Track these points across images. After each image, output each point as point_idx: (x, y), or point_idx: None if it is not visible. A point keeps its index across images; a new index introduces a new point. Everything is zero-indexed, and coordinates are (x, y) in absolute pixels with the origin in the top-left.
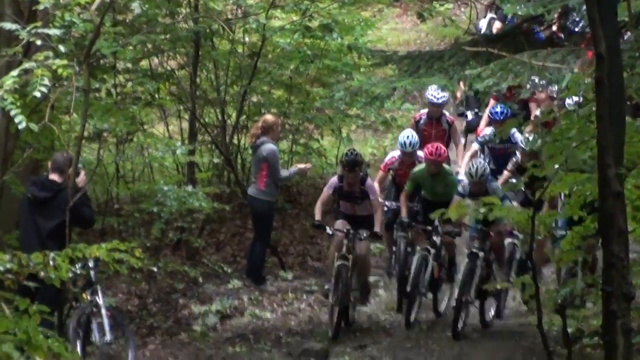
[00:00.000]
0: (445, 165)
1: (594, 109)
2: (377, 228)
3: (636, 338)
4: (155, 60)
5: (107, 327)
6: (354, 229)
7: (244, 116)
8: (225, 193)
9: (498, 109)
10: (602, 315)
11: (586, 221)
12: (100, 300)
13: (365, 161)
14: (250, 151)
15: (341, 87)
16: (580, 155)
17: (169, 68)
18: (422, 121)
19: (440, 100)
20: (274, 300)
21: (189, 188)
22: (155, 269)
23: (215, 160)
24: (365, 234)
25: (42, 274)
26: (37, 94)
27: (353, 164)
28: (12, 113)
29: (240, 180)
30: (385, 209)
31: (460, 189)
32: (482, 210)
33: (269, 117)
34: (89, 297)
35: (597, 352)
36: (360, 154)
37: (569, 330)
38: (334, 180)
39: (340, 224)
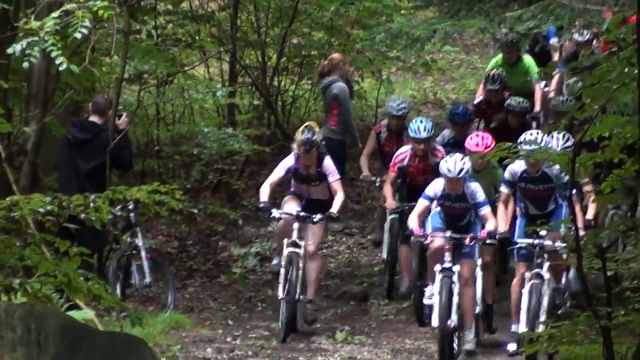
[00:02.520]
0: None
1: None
2: (334, 209)
3: None
4: (196, 2)
5: (146, 269)
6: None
7: (285, 58)
8: (265, 135)
9: (459, 109)
10: None
11: (626, 164)
12: (140, 242)
13: (321, 141)
14: (290, 93)
15: (381, 29)
16: (621, 98)
17: (209, 10)
18: (382, 134)
19: (400, 112)
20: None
21: (229, 130)
22: (195, 211)
23: (256, 102)
24: (319, 217)
25: (82, 215)
26: (78, 36)
27: (310, 144)
28: (53, 54)
29: (281, 122)
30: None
31: (430, 190)
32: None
33: (335, 55)
34: (128, 239)
35: (637, 295)
36: (318, 131)
37: (609, 273)
38: (288, 160)
39: (289, 205)
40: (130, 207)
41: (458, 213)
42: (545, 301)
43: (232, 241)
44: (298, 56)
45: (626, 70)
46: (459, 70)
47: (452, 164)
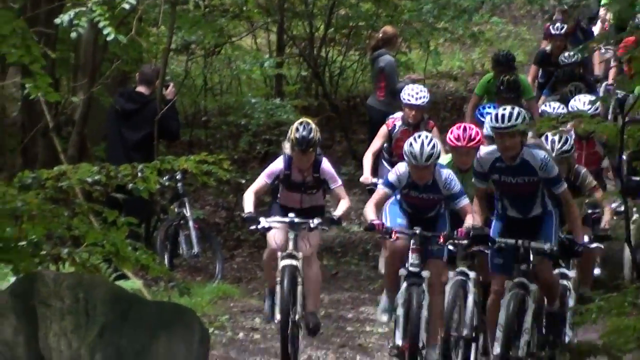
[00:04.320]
0: None
1: None
2: (338, 212)
3: None
4: None
5: (194, 240)
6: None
7: (332, 29)
8: (313, 106)
9: (490, 109)
10: None
11: None
12: (187, 212)
13: (319, 140)
14: (338, 64)
15: (429, 0)
16: None
17: None
18: (396, 129)
19: (419, 101)
20: (362, 213)
21: (277, 101)
22: (242, 182)
23: (303, 73)
24: (316, 221)
25: (130, 185)
26: (126, 6)
27: (307, 144)
28: (101, 25)
29: (328, 93)
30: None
31: (393, 177)
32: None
33: (388, 29)
34: (176, 210)
35: None
36: (316, 129)
37: None
38: (276, 164)
39: (274, 234)
40: (178, 177)
41: (426, 204)
42: (529, 317)
43: None
44: (345, 27)
45: None
46: (507, 42)
47: (418, 148)
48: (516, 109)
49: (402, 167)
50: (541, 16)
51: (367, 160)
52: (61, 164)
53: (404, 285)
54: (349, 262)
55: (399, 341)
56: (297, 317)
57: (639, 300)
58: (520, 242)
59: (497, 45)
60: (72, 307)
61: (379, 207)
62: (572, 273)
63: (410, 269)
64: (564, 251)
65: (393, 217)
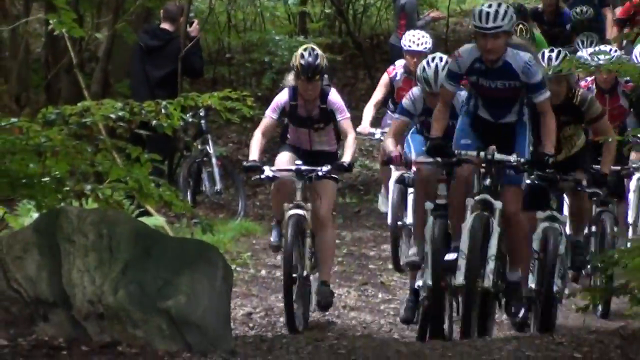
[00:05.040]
0: None
1: None
2: (346, 158)
3: None
4: None
5: (217, 177)
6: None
7: None
8: (336, 43)
9: None
10: None
11: None
12: (210, 149)
13: (328, 66)
14: (361, 2)
15: None
16: None
17: None
18: (398, 77)
19: (420, 47)
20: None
21: (300, 38)
22: None
23: (327, 11)
24: (325, 168)
25: (153, 122)
26: None
27: (313, 71)
28: None
29: (352, 31)
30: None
31: (407, 103)
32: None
33: None
34: (199, 147)
35: None
36: (322, 55)
37: None
38: (281, 97)
39: (284, 160)
40: (201, 113)
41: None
42: (494, 242)
43: None
44: None
45: None
46: None
47: (432, 73)
48: (502, 7)
49: (416, 91)
50: None
51: (368, 111)
52: (85, 100)
53: (431, 219)
54: (372, 200)
55: (429, 281)
56: (305, 272)
57: None
58: (482, 154)
59: None
60: (95, 243)
61: (398, 137)
62: (563, 217)
63: (438, 201)
64: (535, 164)
65: (418, 150)
